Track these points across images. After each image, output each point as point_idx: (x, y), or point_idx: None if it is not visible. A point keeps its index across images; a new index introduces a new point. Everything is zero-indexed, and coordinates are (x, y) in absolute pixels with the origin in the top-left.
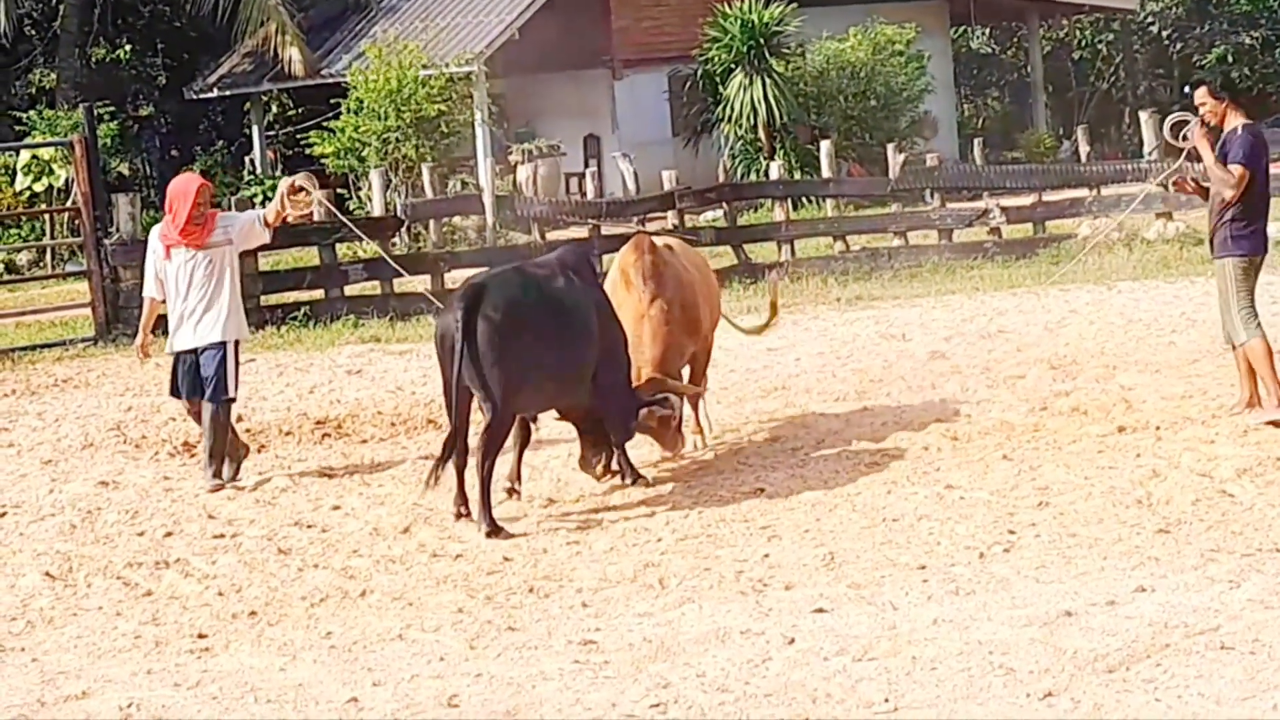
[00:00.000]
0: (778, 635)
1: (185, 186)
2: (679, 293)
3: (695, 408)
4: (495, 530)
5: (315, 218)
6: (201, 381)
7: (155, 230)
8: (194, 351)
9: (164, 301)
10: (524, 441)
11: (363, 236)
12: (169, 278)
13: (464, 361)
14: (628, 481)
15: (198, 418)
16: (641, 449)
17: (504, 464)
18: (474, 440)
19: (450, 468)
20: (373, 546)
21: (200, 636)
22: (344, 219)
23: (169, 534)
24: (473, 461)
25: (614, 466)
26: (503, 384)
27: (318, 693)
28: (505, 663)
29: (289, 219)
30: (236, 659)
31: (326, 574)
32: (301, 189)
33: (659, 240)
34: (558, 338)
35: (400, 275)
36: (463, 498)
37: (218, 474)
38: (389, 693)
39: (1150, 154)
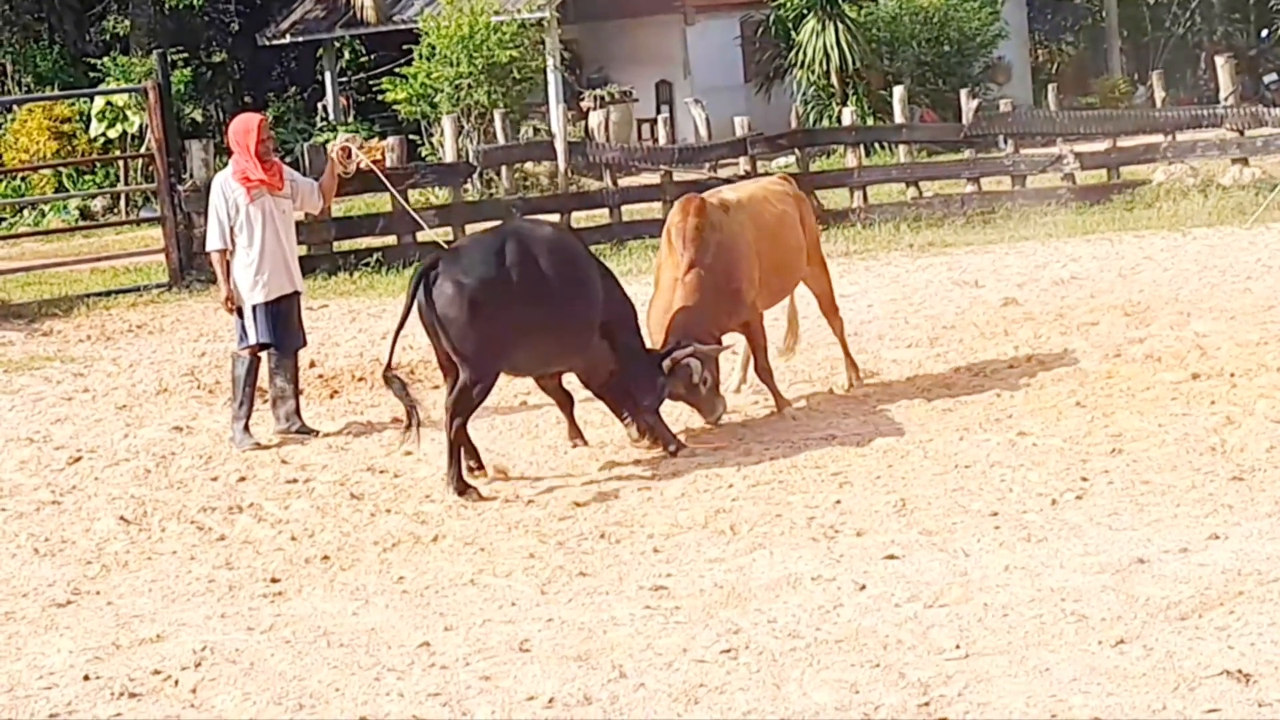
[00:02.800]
0: (849, 581)
1: (246, 122)
2: (718, 261)
3: (847, 352)
4: (464, 490)
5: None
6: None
7: (220, 178)
8: (281, 299)
9: (225, 262)
10: (568, 403)
11: (402, 201)
12: (252, 224)
13: (435, 330)
14: (671, 450)
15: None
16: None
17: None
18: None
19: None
20: (445, 492)
21: (273, 581)
22: (387, 182)
23: (242, 479)
24: (444, 419)
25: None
26: (475, 346)
27: (390, 637)
28: (576, 608)
29: (349, 172)
30: (309, 603)
31: (398, 519)
32: (354, 152)
33: (732, 191)
34: (538, 293)
35: (421, 228)
36: (472, 453)
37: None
38: (460, 637)
39: (1226, 99)
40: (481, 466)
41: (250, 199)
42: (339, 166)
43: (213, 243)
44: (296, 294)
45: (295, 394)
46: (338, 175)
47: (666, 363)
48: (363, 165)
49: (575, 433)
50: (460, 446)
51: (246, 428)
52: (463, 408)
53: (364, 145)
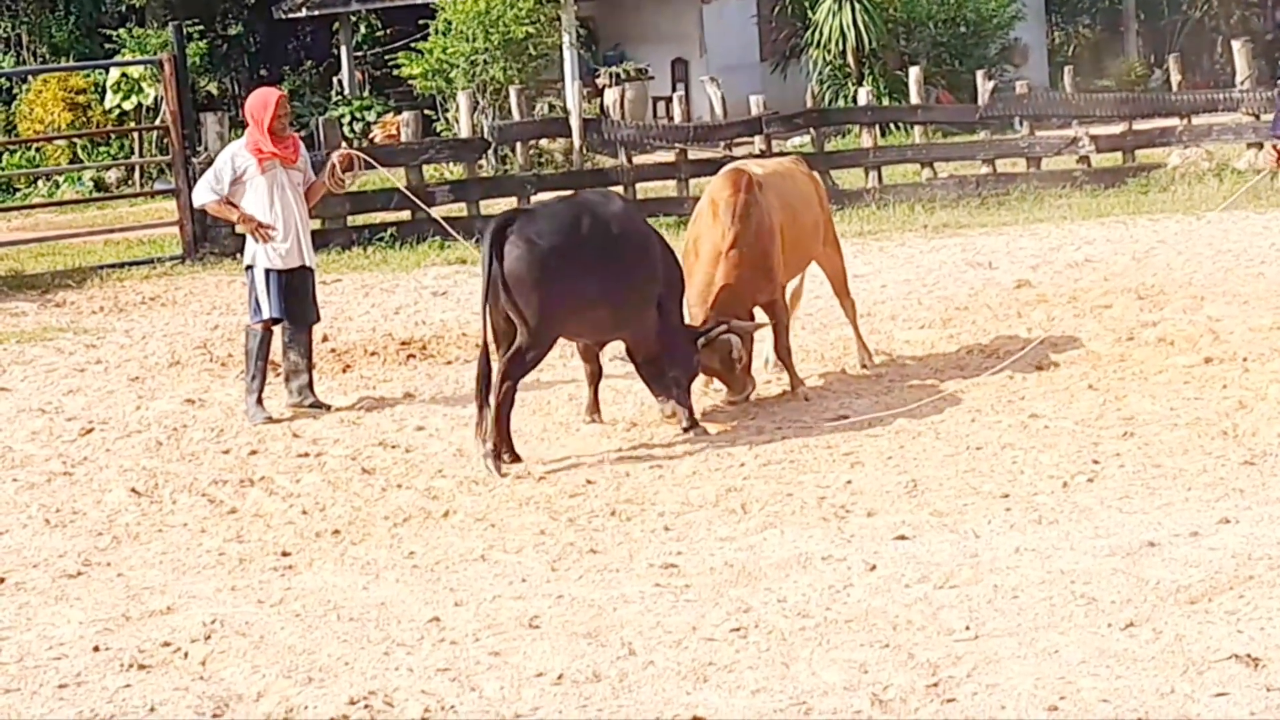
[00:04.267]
0: (859, 561)
1: (264, 97)
2: (759, 240)
3: (858, 333)
4: (498, 454)
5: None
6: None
7: (234, 145)
8: (290, 271)
9: (228, 203)
10: (597, 375)
11: (418, 203)
12: (259, 192)
13: (498, 287)
14: (684, 426)
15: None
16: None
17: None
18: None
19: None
20: (456, 467)
21: (284, 554)
22: (399, 183)
23: (254, 452)
24: (494, 382)
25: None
26: (539, 309)
27: (400, 612)
28: (586, 585)
29: (341, 185)
30: (319, 577)
31: (410, 494)
32: (356, 162)
33: (759, 166)
34: (607, 265)
35: (423, 209)
36: (495, 433)
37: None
38: (470, 613)
39: (1242, 83)
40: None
41: (261, 169)
42: (333, 176)
43: (200, 196)
44: (308, 270)
45: (309, 368)
46: (328, 186)
47: (702, 340)
48: (353, 178)
49: (595, 408)
50: (507, 411)
51: (259, 401)
52: (516, 370)
53: (382, 121)
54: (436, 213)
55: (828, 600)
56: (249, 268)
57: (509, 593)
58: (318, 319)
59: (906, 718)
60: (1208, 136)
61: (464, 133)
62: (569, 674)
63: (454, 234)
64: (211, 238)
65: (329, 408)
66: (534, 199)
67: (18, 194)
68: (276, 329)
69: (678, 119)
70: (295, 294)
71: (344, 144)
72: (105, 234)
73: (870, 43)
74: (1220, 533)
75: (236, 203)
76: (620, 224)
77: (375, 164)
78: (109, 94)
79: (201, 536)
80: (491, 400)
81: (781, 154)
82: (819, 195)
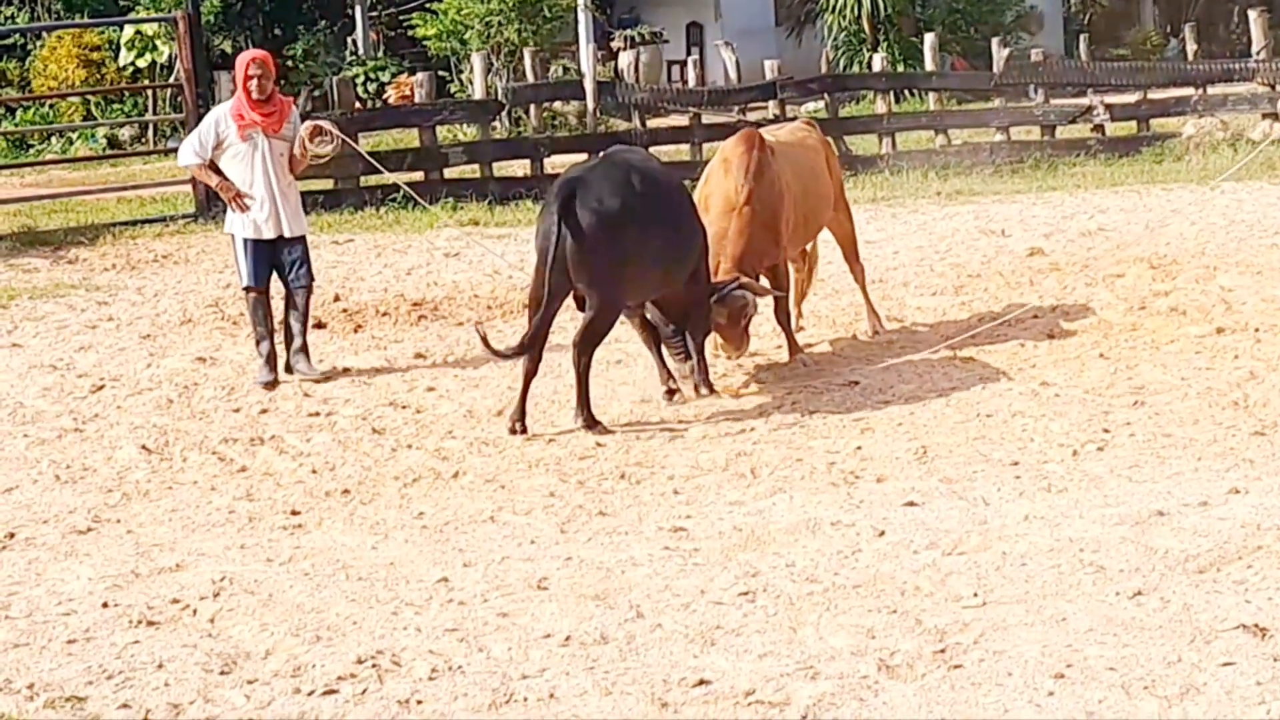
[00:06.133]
0: (868, 527)
1: (241, 58)
2: (770, 199)
3: (868, 299)
4: (592, 423)
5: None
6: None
7: (221, 108)
8: (275, 241)
9: (210, 167)
10: (658, 340)
11: (380, 169)
12: (238, 159)
13: (566, 254)
14: (698, 383)
15: (266, 305)
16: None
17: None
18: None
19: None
20: (467, 428)
21: (293, 513)
22: (364, 153)
23: (264, 411)
24: (572, 354)
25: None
26: (610, 274)
27: (408, 572)
28: (595, 547)
29: (304, 161)
30: (328, 536)
31: (420, 454)
32: (325, 132)
33: (771, 134)
34: (663, 225)
35: (379, 172)
36: (522, 412)
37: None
38: (479, 574)
39: (1258, 53)
40: (525, 429)
41: (242, 136)
42: (303, 147)
43: (183, 157)
44: (296, 239)
45: (303, 333)
46: (303, 161)
47: (715, 296)
48: (322, 153)
49: (669, 376)
50: (587, 378)
51: (267, 362)
52: (591, 340)
53: (396, 82)
54: (450, 174)
55: (836, 565)
56: (232, 234)
57: (518, 554)
58: (309, 284)
59: (913, 683)
60: (1223, 106)
61: (478, 94)
62: (577, 636)
63: (419, 199)
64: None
65: (325, 376)
66: (546, 162)
67: (31, 150)
68: (276, 292)
69: (692, 83)
70: (281, 262)
71: (358, 104)
72: (118, 191)
73: (885, 9)
74: (1230, 503)
75: (220, 167)
76: (662, 178)
77: (343, 137)
78: (123, 51)
79: (211, 494)
80: (575, 373)
81: (793, 119)
82: (831, 162)
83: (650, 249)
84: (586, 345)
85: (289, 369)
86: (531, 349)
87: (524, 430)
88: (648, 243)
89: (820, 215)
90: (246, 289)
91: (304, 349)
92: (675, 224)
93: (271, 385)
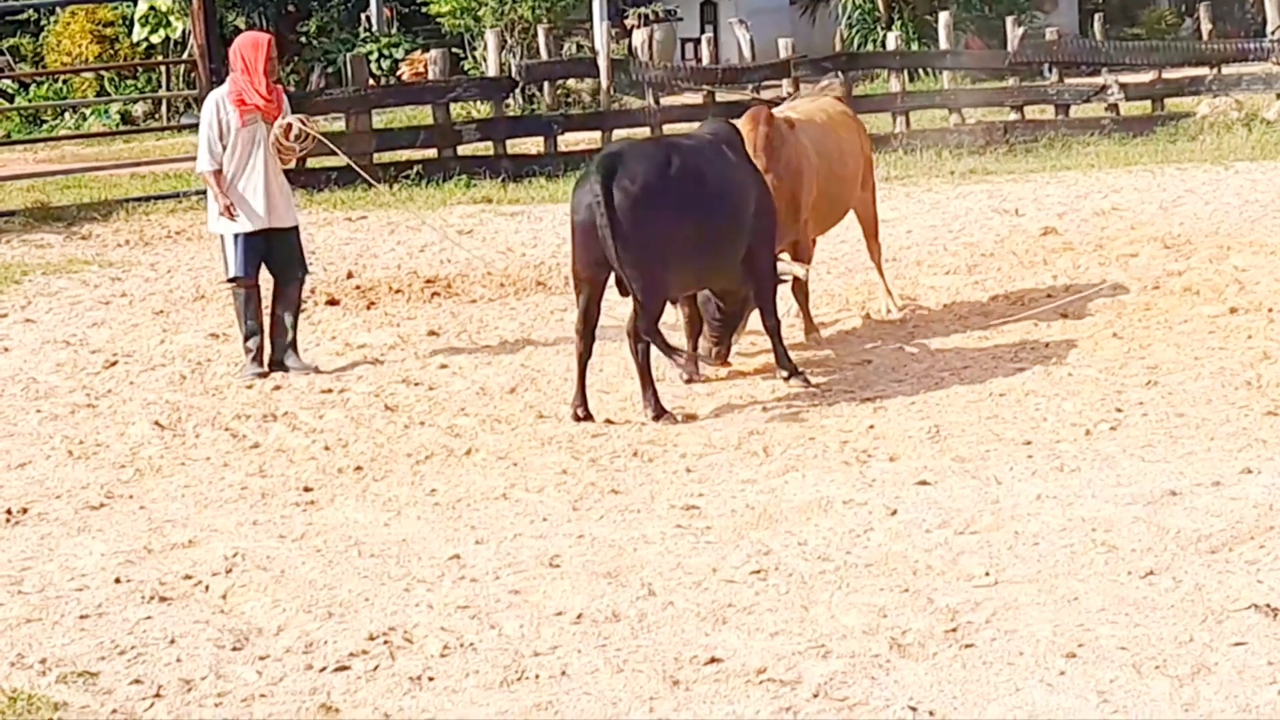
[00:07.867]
0: (880, 506)
1: (256, 38)
2: (789, 176)
3: (883, 277)
4: (661, 413)
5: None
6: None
7: (217, 95)
8: (267, 231)
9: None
10: (698, 333)
11: (334, 150)
12: (236, 148)
13: (610, 240)
14: (783, 376)
15: (256, 298)
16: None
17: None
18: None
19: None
20: (479, 406)
21: (306, 490)
22: (332, 145)
23: (277, 388)
24: (628, 345)
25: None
26: (650, 263)
27: (420, 549)
28: (607, 525)
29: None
30: (341, 513)
31: (432, 432)
32: (304, 134)
33: (791, 108)
34: (702, 211)
35: (363, 178)
36: (583, 397)
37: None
38: (491, 551)
39: (1273, 33)
40: (588, 415)
41: (242, 123)
42: (279, 145)
43: (202, 163)
44: (289, 229)
45: (293, 326)
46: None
47: None
48: (299, 148)
49: (695, 361)
50: (649, 369)
51: (256, 358)
52: (645, 329)
53: (410, 59)
54: (463, 151)
55: (848, 544)
56: (296, 226)
57: (530, 531)
58: (301, 276)
59: (925, 662)
60: (1237, 86)
61: (491, 71)
62: (588, 613)
63: (371, 180)
64: None
65: (315, 369)
66: (559, 139)
67: (45, 126)
68: (265, 284)
69: (706, 61)
70: (273, 253)
71: (370, 80)
72: (131, 167)
73: None
74: (1242, 483)
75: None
76: (715, 162)
77: (318, 136)
78: (136, 27)
79: (224, 471)
80: (635, 364)
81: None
82: (861, 139)
83: (685, 233)
84: (641, 335)
85: (278, 365)
86: (583, 332)
87: (587, 416)
88: (688, 230)
89: (847, 195)
90: (234, 280)
91: (294, 344)
92: (719, 211)
93: (260, 376)
